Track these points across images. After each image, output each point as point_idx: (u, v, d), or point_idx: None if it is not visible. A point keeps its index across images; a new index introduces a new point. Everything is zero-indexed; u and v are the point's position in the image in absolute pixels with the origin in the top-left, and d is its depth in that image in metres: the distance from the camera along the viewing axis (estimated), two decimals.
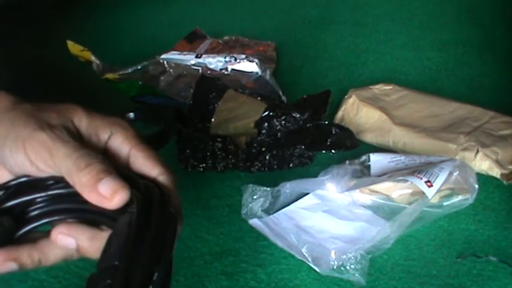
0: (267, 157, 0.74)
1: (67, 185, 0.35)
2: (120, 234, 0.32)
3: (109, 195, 0.33)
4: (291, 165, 0.75)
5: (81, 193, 0.34)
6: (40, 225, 0.37)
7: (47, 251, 0.37)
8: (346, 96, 0.84)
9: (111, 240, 0.33)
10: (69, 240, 0.37)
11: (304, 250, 0.60)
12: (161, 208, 0.35)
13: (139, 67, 0.91)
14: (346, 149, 0.72)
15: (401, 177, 0.63)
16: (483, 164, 0.71)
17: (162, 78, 0.91)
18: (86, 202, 0.34)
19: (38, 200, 0.36)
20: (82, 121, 0.37)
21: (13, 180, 0.37)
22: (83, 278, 0.59)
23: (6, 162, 0.35)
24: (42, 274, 0.60)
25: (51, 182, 0.36)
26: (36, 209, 0.37)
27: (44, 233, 0.38)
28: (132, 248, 0.31)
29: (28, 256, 0.36)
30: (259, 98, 0.78)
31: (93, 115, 0.38)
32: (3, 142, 0.35)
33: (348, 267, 0.57)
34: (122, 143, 0.38)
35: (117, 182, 0.34)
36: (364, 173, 0.68)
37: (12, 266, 0.36)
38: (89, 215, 0.36)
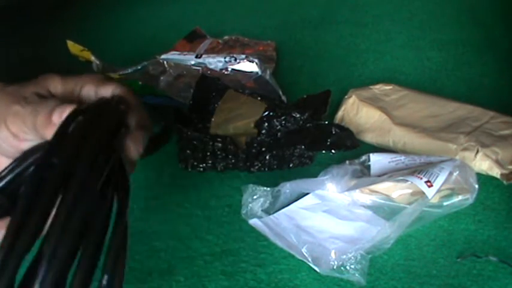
0: (267, 157, 0.74)
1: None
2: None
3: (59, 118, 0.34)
4: (291, 165, 0.75)
5: (43, 136, 0.35)
6: None
7: None
8: (346, 96, 0.84)
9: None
10: None
11: (304, 250, 0.60)
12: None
13: (139, 67, 0.92)
14: (346, 149, 0.72)
15: (401, 177, 0.63)
16: (483, 164, 0.71)
17: (162, 78, 0.91)
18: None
19: (21, 172, 0.36)
20: (57, 87, 0.39)
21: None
22: None
23: None
24: None
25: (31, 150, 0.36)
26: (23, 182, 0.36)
27: None
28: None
29: None
30: (259, 98, 0.78)
31: (67, 78, 0.39)
32: None
33: (348, 267, 0.57)
34: (90, 90, 0.39)
35: (67, 105, 0.35)
36: (364, 173, 0.68)
37: None
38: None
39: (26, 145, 0.36)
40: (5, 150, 0.37)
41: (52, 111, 0.34)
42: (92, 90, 0.39)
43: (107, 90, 0.39)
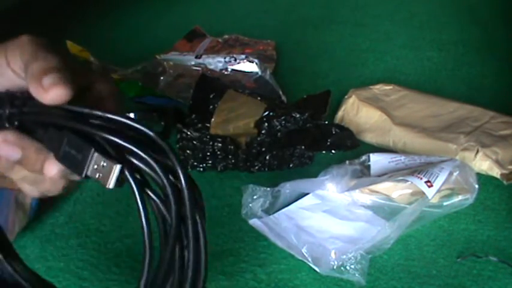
0: (267, 157, 0.74)
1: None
2: None
3: (47, 87, 0.30)
4: (291, 165, 0.75)
5: (28, 85, 0.31)
6: None
7: None
8: (346, 96, 0.84)
9: None
10: (14, 150, 0.33)
11: (304, 250, 0.60)
12: None
13: (139, 67, 0.92)
14: (347, 149, 0.72)
15: (401, 177, 0.63)
16: (483, 164, 0.71)
17: (162, 78, 0.91)
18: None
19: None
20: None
21: None
22: (82, 278, 0.59)
23: None
24: (42, 274, 0.60)
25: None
26: None
27: None
28: None
29: None
30: (259, 98, 0.78)
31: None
32: None
33: (348, 267, 0.57)
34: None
35: (64, 77, 0.30)
36: (364, 173, 0.68)
37: None
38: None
39: (16, 80, 0.33)
40: None
41: (49, 70, 0.31)
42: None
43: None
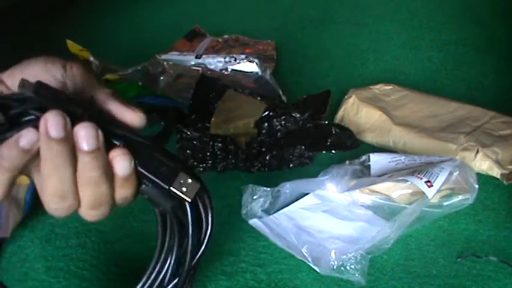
0: (267, 157, 0.74)
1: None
2: None
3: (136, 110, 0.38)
4: (291, 165, 0.75)
5: (116, 108, 0.38)
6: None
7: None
8: (346, 96, 0.84)
9: None
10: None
11: (304, 250, 0.60)
12: None
13: (139, 68, 0.91)
14: (347, 149, 0.72)
15: (401, 177, 0.63)
16: (483, 164, 0.71)
17: (162, 78, 0.91)
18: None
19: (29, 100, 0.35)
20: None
21: None
22: (82, 278, 0.59)
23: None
24: (42, 274, 0.60)
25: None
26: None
27: None
28: None
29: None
30: (259, 98, 0.78)
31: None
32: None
33: (348, 267, 0.57)
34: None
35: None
36: (364, 173, 0.68)
37: None
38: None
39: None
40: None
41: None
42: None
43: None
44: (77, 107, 0.35)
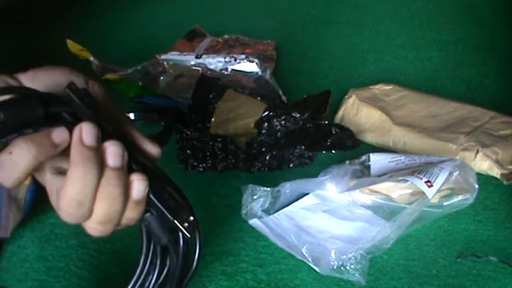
0: (267, 157, 0.74)
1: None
2: None
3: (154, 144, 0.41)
4: (291, 165, 0.75)
5: (135, 139, 0.40)
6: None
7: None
8: (346, 96, 0.84)
9: None
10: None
11: (304, 250, 0.60)
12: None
13: (139, 67, 0.91)
14: (347, 149, 0.72)
15: (401, 177, 0.63)
16: (483, 164, 0.71)
17: (162, 78, 0.91)
18: None
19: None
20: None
21: None
22: (82, 278, 0.59)
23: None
24: (42, 274, 0.60)
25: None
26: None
27: None
28: None
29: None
30: (259, 98, 0.78)
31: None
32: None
33: (348, 267, 0.57)
34: None
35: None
36: (364, 173, 0.68)
37: None
38: None
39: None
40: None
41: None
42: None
43: None
44: (108, 125, 0.37)
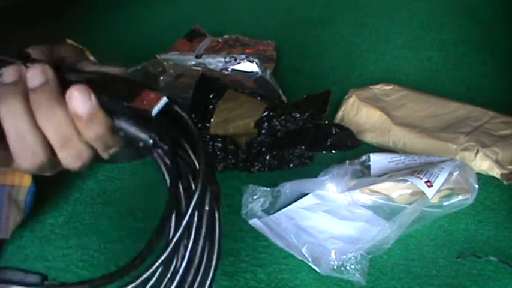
0: (267, 157, 0.74)
1: None
2: None
3: None
4: (291, 165, 0.75)
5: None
6: None
7: None
8: (346, 96, 0.84)
9: None
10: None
11: (304, 250, 0.60)
12: None
13: (139, 67, 0.91)
14: (347, 149, 0.72)
15: (401, 177, 0.63)
16: (483, 164, 0.71)
17: (162, 78, 0.91)
18: None
19: None
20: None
21: None
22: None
23: None
24: None
25: None
26: None
27: None
28: None
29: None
30: (259, 98, 0.78)
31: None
32: None
33: (348, 267, 0.57)
34: None
35: None
36: (364, 173, 0.68)
37: None
38: None
39: None
40: None
41: None
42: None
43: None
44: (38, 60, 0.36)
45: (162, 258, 0.37)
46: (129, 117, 0.36)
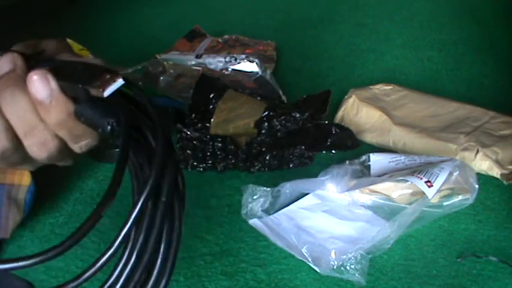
0: (267, 157, 0.74)
1: None
2: None
3: None
4: (291, 165, 0.75)
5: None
6: None
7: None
8: (346, 96, 0.84)
9: None
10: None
11: (304, 250, 0.60)
12: None
13: (139, 67, 0.91)
14: (347, 149, 0.72)
15: (401, 177, 0.63)
16: (483, 164, 0.71)
17: (162, 78, 0.91)
18: None
19: None
20: None
21: None
22: None
23: None
24: (42, 274, 0.60)
25: None
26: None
27: None
28: None
29: None
30: (259, 98, 0.78)
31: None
32: None
33: (348, 267, 0.57)
34: None
35: None
36: (364, 173, 0.68)
37: None
38: None
39: None
40: None
41: None
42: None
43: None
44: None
45: (108, 254, 0.35)
46: (90, 103, 0.35)
